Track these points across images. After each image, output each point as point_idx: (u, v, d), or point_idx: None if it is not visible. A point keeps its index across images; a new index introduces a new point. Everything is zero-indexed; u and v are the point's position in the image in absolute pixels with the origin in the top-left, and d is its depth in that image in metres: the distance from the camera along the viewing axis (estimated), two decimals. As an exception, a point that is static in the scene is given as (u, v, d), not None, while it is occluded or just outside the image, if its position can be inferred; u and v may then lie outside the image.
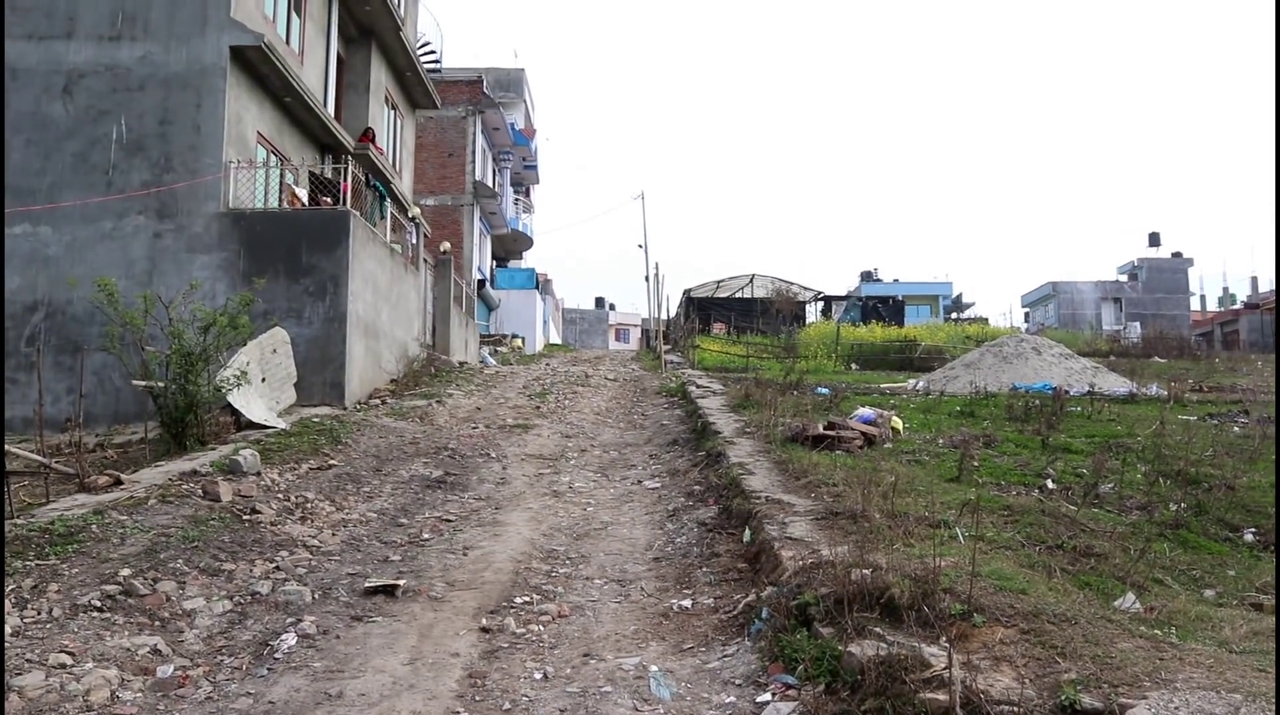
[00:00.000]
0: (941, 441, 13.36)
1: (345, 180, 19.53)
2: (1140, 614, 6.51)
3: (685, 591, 7.98)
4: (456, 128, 40.20)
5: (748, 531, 8.80)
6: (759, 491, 9.80)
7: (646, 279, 42.27)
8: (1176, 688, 4.70)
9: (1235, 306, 68.16)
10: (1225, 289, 75.63)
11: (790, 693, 5.61)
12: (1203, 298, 74.57)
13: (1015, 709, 4.75)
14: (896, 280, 71.52)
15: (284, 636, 6.89)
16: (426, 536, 9.90)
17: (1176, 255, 69.83)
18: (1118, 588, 7.06)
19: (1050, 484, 10.53)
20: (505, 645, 6.84)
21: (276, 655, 6.60)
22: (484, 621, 7.32)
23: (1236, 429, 14.86)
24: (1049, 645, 5.30)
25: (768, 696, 5.66)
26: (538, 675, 6.26)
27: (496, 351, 33.86)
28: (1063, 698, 4.72)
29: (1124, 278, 69.39)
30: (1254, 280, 73.40)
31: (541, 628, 7.20)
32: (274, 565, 8.48)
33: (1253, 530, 9.26)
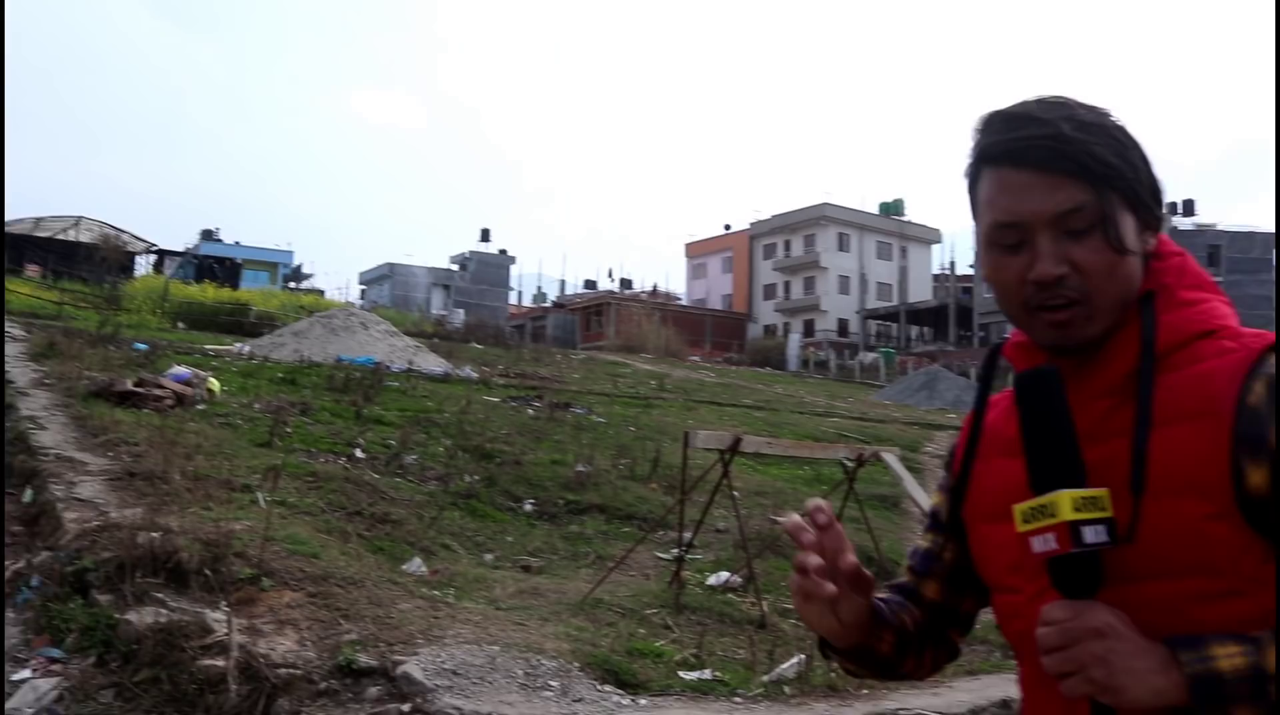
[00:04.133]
0: (258, 406, 13.14)
1: None
2: (426, 576, 6.92)
3: (-63, 558, 6.97)
4: None
5: (29, 491, 7.93)
6: (49, 448, 8.89)
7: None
8: (446, 643, 5.07)
9: (546, 304, 75.66)
10: (539, 288, 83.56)
11: (55, 667, 5.14)
12: (520, 293, 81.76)
13: (294, 671, 4.80)
14: (238, 243, 68.84)
15: None
16: None
17: (503, 252, 75.79)
18: (408, 552, 7.44)
19: (359, 453, 10.82)
20: None
21: None
22: None
23: (531, 412, 16.45)
24: (335, 608, 5.43)
25: (27, 673, 5.13)
26: None
27: None
28: (341, 658, 4.86)
29: (455, 267, 73.71)
30: (562, 283, 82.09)
31: None
32: None
33: (532, 501, 10.29)
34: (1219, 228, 66.73)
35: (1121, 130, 1.33)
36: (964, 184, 1.40)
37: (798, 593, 1.35)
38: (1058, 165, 1.27)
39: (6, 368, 13.73)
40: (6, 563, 6.74)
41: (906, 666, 1.50)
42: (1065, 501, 1.16)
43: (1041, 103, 1.33)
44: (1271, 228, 65.11)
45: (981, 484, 1.42)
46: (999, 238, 1.31)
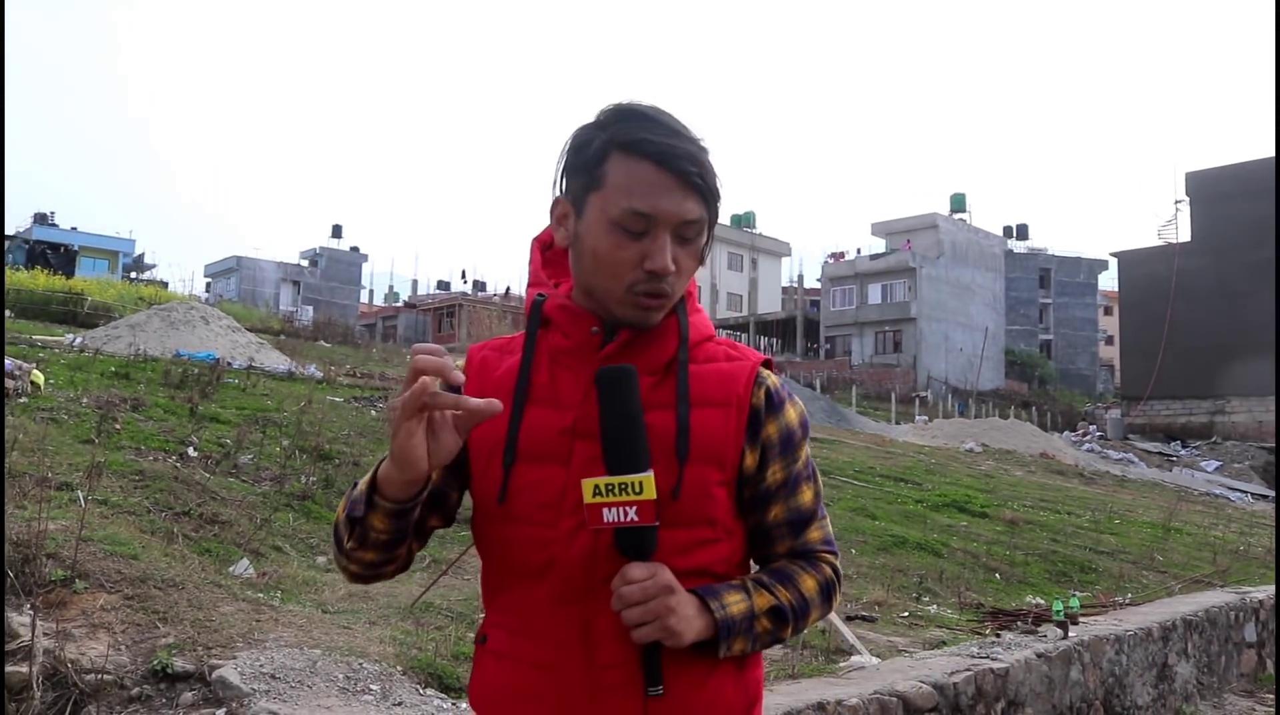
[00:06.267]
0: (86, 401, 12.64)
1: None
2: (252, 579, 6.79)
3: None
4: None
5: None
6: None
7: None
8: (266, 647, 5.00)
9: (398, 304, 74.55)
10: (391, 287, 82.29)
11: None
12: (371, 292, 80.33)
13: (105, 676, 4.66)
14: (75, 229, 65.76)
15: None
16: None
17: (354, 249, 74.37)
18: (236, 554, 7.29)
19: (192, 451, 10.51)
20: None
21: None
22: None
23: (374, 413, 16.23)
24: (152, 611, 5.30)
25: None
26: None
27: None
28: (155, 662, 4.75)
29: (305, 263, 72.01)
30: (414, 283, 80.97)
31: None
32: None
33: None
34: (1049, 252, 70.12)
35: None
36: (577, 153, 1.64)
37: (418, 396, 1.42)
38: (693, 181, 1.58)
39: None
40: None
41: (401, 549, 1.65)
42: (651, 484, 1.48)
43: (680, 123, 1.62)
44: (1095, 254, 68.87)
45: (519, 426, 1.63)
46: (630, 222, 1.56)
